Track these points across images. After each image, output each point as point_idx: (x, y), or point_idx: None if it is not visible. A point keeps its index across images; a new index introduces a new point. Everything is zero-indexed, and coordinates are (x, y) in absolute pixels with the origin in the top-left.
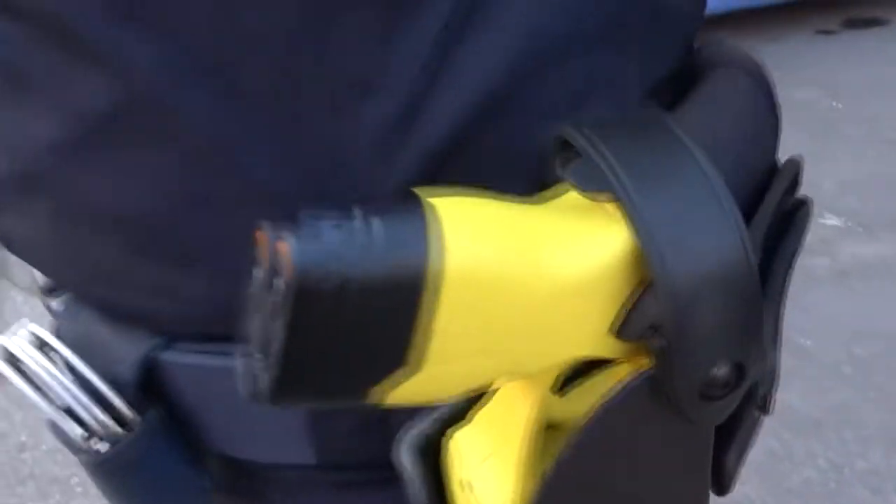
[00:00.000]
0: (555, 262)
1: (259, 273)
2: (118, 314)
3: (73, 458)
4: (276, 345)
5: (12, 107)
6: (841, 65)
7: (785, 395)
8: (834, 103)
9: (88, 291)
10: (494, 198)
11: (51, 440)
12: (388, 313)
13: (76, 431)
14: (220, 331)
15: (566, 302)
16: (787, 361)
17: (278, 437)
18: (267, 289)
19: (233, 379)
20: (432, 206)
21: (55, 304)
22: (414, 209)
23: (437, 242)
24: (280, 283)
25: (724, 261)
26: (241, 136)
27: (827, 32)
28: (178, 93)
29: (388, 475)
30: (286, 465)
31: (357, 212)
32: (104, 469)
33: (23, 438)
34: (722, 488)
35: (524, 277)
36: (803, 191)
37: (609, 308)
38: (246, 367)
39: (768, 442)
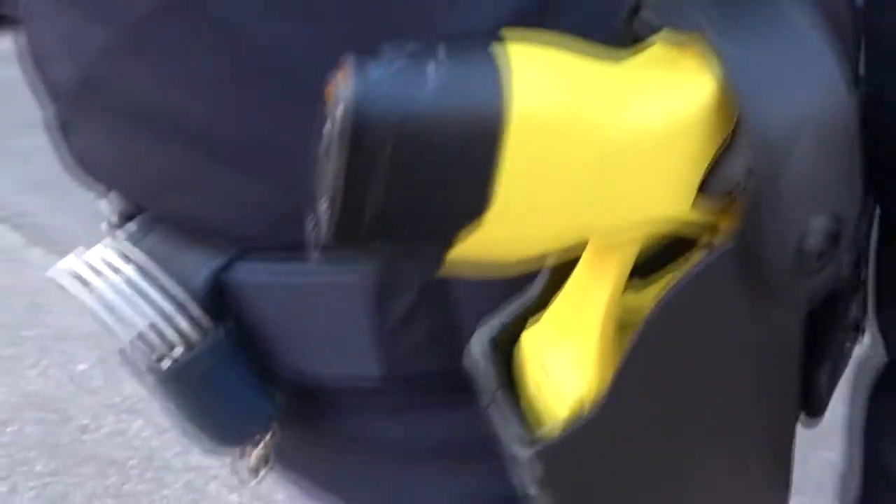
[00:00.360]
0: (635, 110)
1: (328, 115)
2: (187, 228)
3: (131, 442)
4: (334, 180)
5: (69, 13)
6: None
7: None
8: None
9: (159, 206)
10: (576, 48)
11: (111, 423)
12: (448, 157)
13: (152, 343)
14: (287, 240)
15: (646, 154)
16: None
17: (345, 350)
18: (332, 131)
19: (300, 292)
20: (504, 49)
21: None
22: (483, 51)
23: (505, 85)
24: (337, 113)
25: (822, 105)
26: (296, 35)
27: None
28: None
29: (455, 399)
30: (351, 383)
31: (424, 50)
32: (172, 383)
33: (85, 421)
34: (813, 409)
35: (600, 126)
36: None
37: (693, 163)
38: (314, 219)
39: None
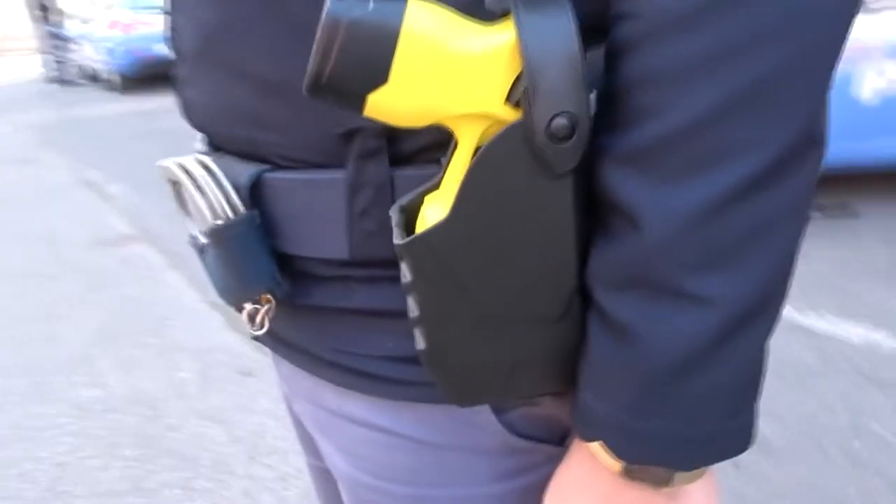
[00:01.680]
0: (472, 44)
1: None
2: (243, 150)
3: (206, 445)
4: (313, 57)
5: (199, 2)
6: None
7: None
8: None
9: (229, 133)
10: (454, 14)
11: (193, 426)
12: (369, 48)
13: (209, 216)
14: (302, 157)
15: (480, 67)
16: None
17: (325, 237)
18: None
19: (302, 188)
20: (412, 2)
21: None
22: (402, 1)
23: (404, 13)
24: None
25: (559, 57)
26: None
27: None
28: None
29: (393, 276)
30: (327, 259)
31: None
32: (217, 240)
33: (173, 421)
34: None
35: (449, 48)
36: None
37: (504, 81)
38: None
39: None
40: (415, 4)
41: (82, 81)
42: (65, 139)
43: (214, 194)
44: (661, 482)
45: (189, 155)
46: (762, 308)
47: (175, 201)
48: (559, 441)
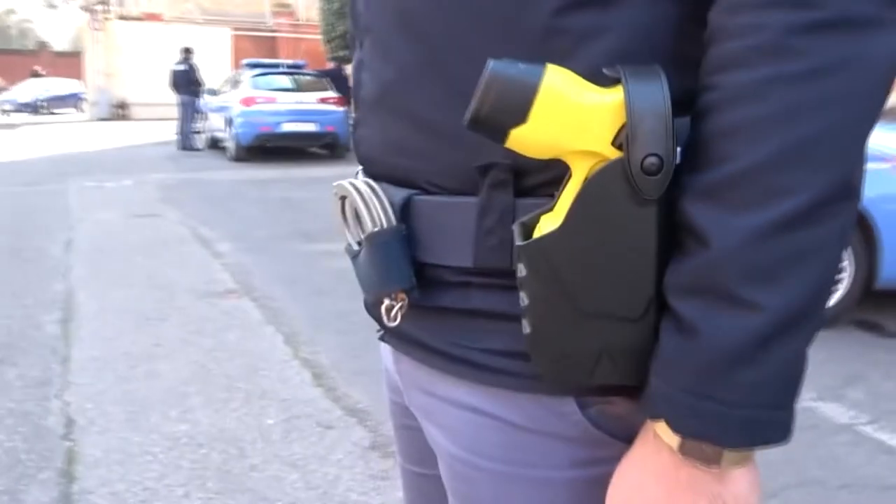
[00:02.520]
0: (594, 97)
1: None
2: (398, 178)
3: (298, 490)
4: (474, 108)
5: (380, 59)
6: None
7: None
8: None
9: (389, 163)
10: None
11: (274, 469)
12: (519, 96)
13: (368, 224)
14: (444, 185)
15: (595, 116)
16: None
17: (455, 249)
18: None
19: (443, 209)
20: (548, 68)
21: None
22: (539, 66)
23: (543, 75)
24: (482, 79)
25: (654, 114)
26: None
27: None
28: None
29: (510, 285)
30: (455, 267)
31: (519, 61)
32: (375, 242)
33: (255, 462)
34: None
35: (578, 97)
36: None
37: (612, 128)
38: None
39: None
40: (552, 68)
41: (203, 148)
42: (184, 199)
43: (375, 207)
44: (711, 461)
45: (354, 179)
46: (801, 318)
47: (340, 214)
48: (628, 440)
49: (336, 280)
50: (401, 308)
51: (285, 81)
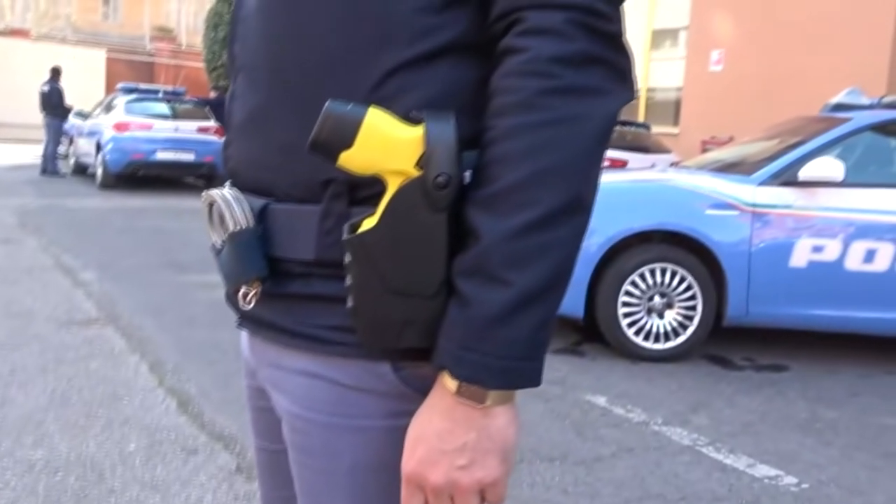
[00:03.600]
0: (402, 132)
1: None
2: (257, 188)
3: None
4: (314, 135)
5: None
6: None
7: None
8: None
9: (251, 177)
10: (393, 118)
11: (135, 493)
12: (344, 127)
13: (231, 225)
14: (295, 195)
15: (403, 145)
16: None
17: (300, 245)
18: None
19: (290, 215)
20: (370, 109)
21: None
22: (364, 108)
23: (366, 114)
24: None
25: (444, 145)
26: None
27: None
28: None
29: (341, 273)
30: (300, 259)
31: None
32: (236, 239)
33: (115, 485)
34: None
35: (388, 134)
36: None
37: (415, 154)
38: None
39: None
40: (372, 109)
41: (67, 174)
42: (46, 225)
43: (237, 211)
44: (479, 400)
45: (221, 189)
46: (542, 293)
47: (207, 218)
48: (424, 393)
49: (208, 311)
50: (255, 295)
51: (163, 108)
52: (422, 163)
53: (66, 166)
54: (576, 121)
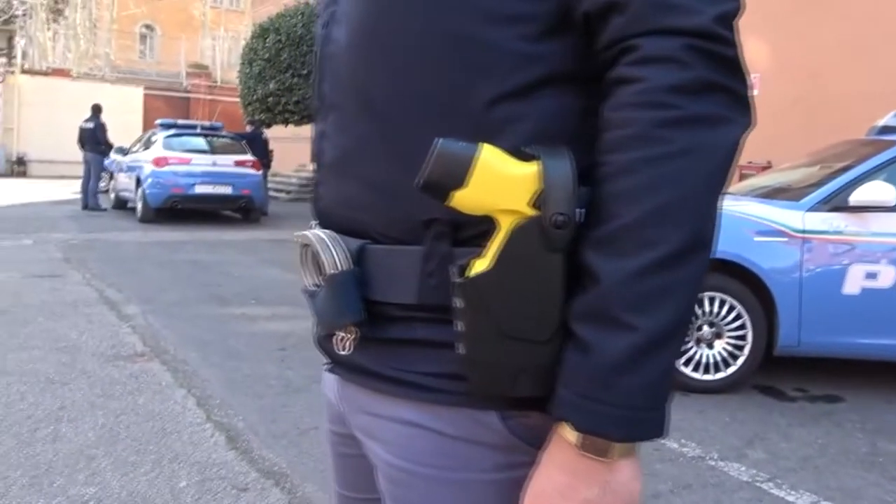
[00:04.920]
0: (517, 169)
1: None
2: (352, 229)
3: None
4: (425, 175)
5: None
6: None
7: None
8: None
9: (345, 217)
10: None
11: None
12: (458, 164)
13: (328, 267)
14: (395, 236)
15: (518, 184)
16: None
17: (401, 288)
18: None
19: (390, 256)
20: (483, 146)
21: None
22: (476, 145)
23: (478, 151)
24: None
25: (562, 183)
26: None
27: None
28: None
29: (447, 317)
30: (400, 303)
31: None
32: (334, 283)
33: None
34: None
35: (505, 168)
36: None
37: (530, 192)
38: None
39: None
40: (485, 146)
41: (108, 208)
42: (89, 260)
43: (334, 253)
44: (602, 453)
45: (314, 230)
46: (667, 338)
47: (299, 259)
48: (540, 446)
49: (250, 344)
50: (353, 340)
51: (200, 143)
52: (538, 201)
53: (106, 201)
54: (696, 152)
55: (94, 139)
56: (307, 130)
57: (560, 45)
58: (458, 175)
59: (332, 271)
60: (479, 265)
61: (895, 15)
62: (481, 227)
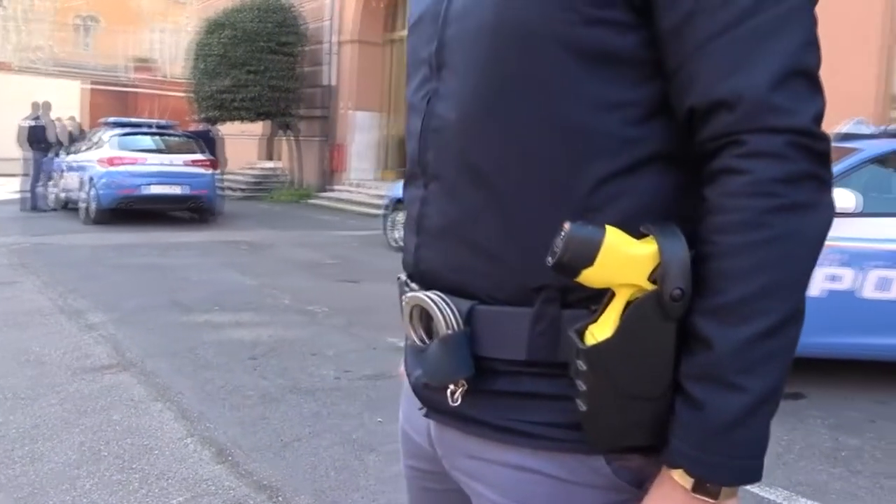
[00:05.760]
0: (637, 249)
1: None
2: (460, 290)
3: None
4: (558, 257)
5: None
6: None
7: None
8: None
9: (454, 280)
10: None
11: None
12: (586, 246)
13: (443, 328)
14: (505, 299)
15: (638, 262)
16: None
17: (510, 346)
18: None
19: (506, 316)
20: (607, 228)
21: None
22: (601, 229)
23: (604, 234)
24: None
25: (678, 261)
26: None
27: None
28: None
29: (560, 372)
30: (509, 359)
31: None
32: (448, 342)
33: None
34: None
35: (628, 249)
36: None
37: (649, 269)
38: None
39: None
40: (609, 228)
41: (51, 209)
42: (40, 265)
43: (447, 315)
44: (713, 495)
45: (426, 291)
46: (771, 397)
47: (406, 317)
48: (638, 486)
49: (220, 353)
50: (462, 391)
51: (152, 141)
52: (656, 277)
53: (50, 202)
54: (796, 236)
55: (40, 137)
56: (258, 128)
57: (659, 127)
58: (588, 256)
59: (447, 332)
60: (600, 332)
61: (853, 25)
62: (588, 292)
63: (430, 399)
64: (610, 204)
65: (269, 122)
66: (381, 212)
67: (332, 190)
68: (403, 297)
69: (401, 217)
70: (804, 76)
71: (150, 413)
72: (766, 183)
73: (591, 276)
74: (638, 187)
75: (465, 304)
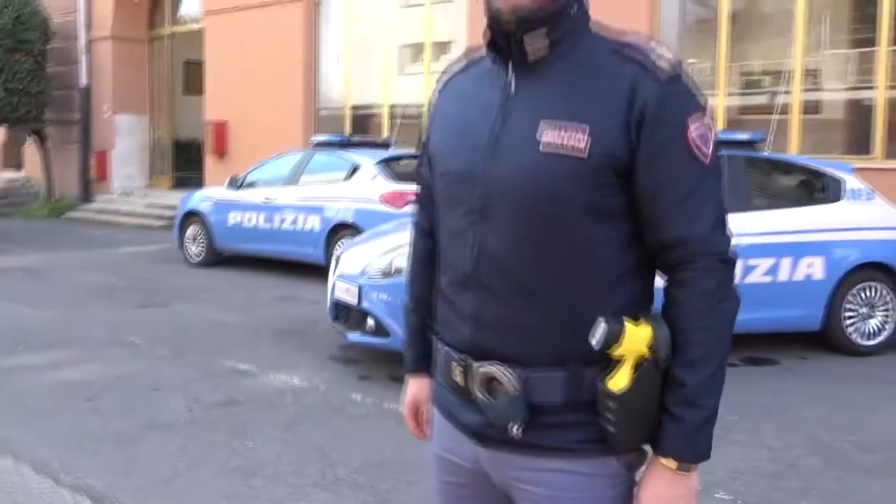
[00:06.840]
0: (641, 332)
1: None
2: (518, 361)
3: None
4: (601, 343)
5: None
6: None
7: None
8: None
9: (499, 354)
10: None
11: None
12: (616, 334)
13: (511, 390)
14: (547, 364)
15: (643, 340)
16: None
17: (551, 393)
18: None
19: (543, 377)
20: (624, 321)
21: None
22: (621, 321)
23: (624, 329)
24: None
25: (664, 338)
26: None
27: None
28: None
29: (588, 411)
30: (552, 402)
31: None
32: (512, 399)
33: None
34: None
35: (636, 333)
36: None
37: (648, 342)
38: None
39: None
40: (625, 320)
41: None
42: None
43: (513, 381)
44: (688, 470)
45: (491, 363)
46: (716, 410)
47: (477, 383)
48: (629, 469)
49: (53, 398)
50: (520, 428)
51: None
52: (653, 347)
53: None
54: (727, 316)
55: None
56: None
57: (634, 251)
58: (616, 339)
59: (513, 392)
60: (620, 381)
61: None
62: (599, 356)
63: (486, 434)
64: (614, 300)
65: (11, 129)
66: (159, 223)
67: (96, 201)
68: (458, 364)
69: (197, 231)
70: (723, 223)
71: (6, 470)
72: (709, 289)
73: (616, 350)
74: (626, 290)
75: (524, 372)
